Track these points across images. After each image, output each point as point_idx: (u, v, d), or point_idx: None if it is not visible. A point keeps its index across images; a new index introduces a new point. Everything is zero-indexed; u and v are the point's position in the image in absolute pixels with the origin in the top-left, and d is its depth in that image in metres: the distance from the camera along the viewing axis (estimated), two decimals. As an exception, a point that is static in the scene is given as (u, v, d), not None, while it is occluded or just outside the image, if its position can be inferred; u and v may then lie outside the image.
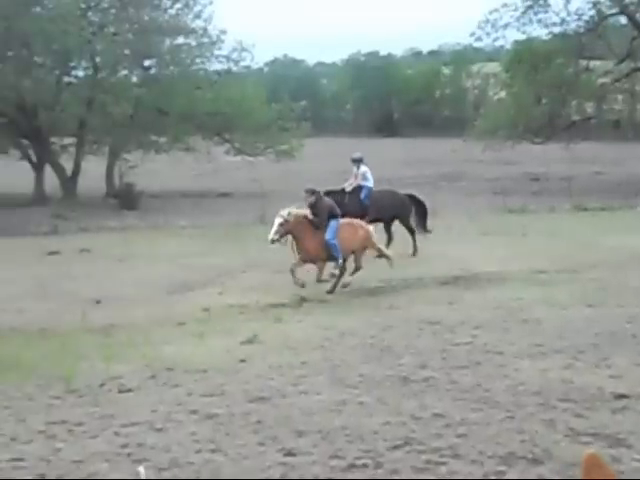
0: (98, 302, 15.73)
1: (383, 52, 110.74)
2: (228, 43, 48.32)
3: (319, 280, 17.13)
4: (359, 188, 21.61)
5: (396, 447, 7.12)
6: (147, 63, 48.32)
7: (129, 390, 8.99)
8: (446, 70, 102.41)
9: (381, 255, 17.78)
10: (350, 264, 16.92)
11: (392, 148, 72.50)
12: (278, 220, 16.38)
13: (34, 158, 45.33)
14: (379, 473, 6.64)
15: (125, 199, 40.03)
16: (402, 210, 22.11)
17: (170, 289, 17.02)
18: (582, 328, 11.81)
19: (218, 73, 49.70)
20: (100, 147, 48.35)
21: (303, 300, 15.17)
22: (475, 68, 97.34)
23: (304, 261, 16.68)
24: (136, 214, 36.02)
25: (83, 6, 43.76)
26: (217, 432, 7.55)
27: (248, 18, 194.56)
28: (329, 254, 16.70)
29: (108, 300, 15.94)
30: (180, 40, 47.99)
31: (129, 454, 7.08)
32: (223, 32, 47.83)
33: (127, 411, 8.21)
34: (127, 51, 45.02)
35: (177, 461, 6.87)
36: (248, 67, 53.01)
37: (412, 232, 21.94)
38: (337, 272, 16.87)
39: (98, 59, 44.49)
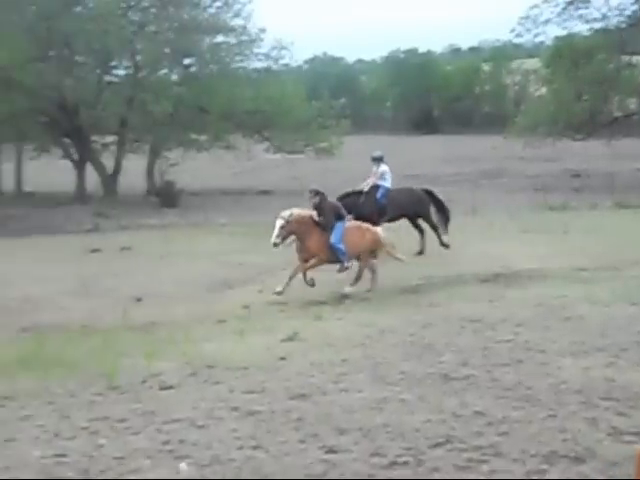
0: (139, 300, 15.84)
1: (422, 49, 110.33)
2: (267, 41, 48.45)
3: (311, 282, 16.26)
4: (375, 188, 21.32)
5: (437, 445, 7.10)
6: (187, 61, 48.54)
7: (170, 387, 9.03)
8: (486, 66, 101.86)
9: (395, 258, 17.24)
10: (364, 273, 16.48)
11: (432, 145, 72.32)
12: (279, 222, 15.83)
13: (76, 156, 45.67)
14: (420, 471, 6.62)
15: (165, 197, 40.25)
16: (420, 207, 21.82)
17: (210, 287, 17.09)
18: (624, 326, 11.70)
19: (258, 71, 49.82)
20: (141, 145, 48.65)
21: (343, 298, 15.16)
22: (515, 64, 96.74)
23: (305, 260, 16.19)
24: (176, 212, 36.21)
25: (123, 5, 44.07)
26: (258, 429, 7.56)
27: (287, 16, 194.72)
28: (330, 257, 16.29)
29: (149, 297, 16.05)
30: (220, 38, 48.13)
31: (171, 451, 7.10)
32: (262, 30, 47.95)
33: (168, 408, 8.25)
34: (167, 50, 45.28)
35: (218, 458, 6.89)
36: (287, 65, 53.10)
37: (435, 228, 21.67)
38: (343, 268, 16.45)
39: (139, 58, 44.78)
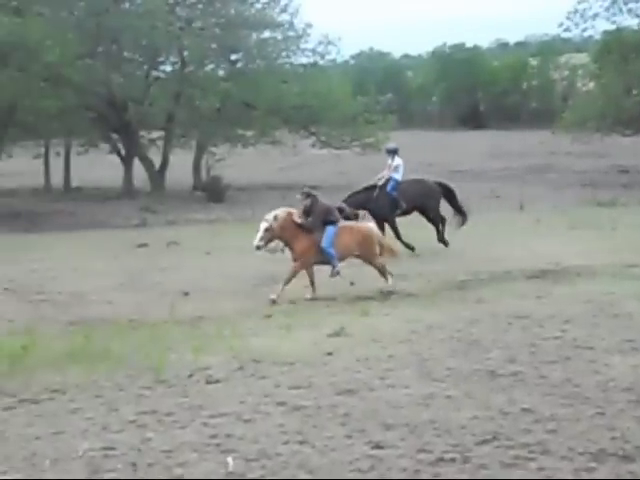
0: (186, 294, 15.91)
1: (469, 44, 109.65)
2: (314, 36, 48.54)
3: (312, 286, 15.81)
4: (388, 181, 21.18)
5: (484, 442, 7.06)
6: (234, 57, 48.71)
7: (217, 381, 9.06)
8: (533, 61, 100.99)
9: (389, 252, 16.66)
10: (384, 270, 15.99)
11: (478, 141, 71.85)
12: (264, 225, 15.47)
13: (123, 152, 46.01)
14: (467, 468, 6.59)
15: (212, 192, 40.43)
16: (428, 199, 21.60)
17: (257, 281, 17.13)
18: (675, 323, 11.58)
19: (304, 66, 49.86)
20: (187, 141, 48.91)
21: (390, 293, 15.14)
22: (563, 59, 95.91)
23: (297, 265, 15.71)
24: (223, 207, 36.38)
25: (171, 1, 44.37)
26: (305, 424, 7.56)
27: (334, 11, 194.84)
28: (318, 259, 15.78)
29: (196, 292, 16.13)
30: (267, 34, 48.27)
31: (217, 444, 7.13)
32: (309, 25, 48.04)
33: (215, 402, 8.28)
34: (214, 45, 45.47)
35: (265, 452, 6.90)
36: (334, 60, 53.05)
37: (442, 222, 21.54)
38: (334, 272, 15.90)
39: (186, 54, 45.01)
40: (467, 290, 15.31)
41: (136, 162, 45.33)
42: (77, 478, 6.54)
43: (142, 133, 47.15)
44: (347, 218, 20.52)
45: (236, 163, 46.36)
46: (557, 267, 17.32)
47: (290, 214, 15.80)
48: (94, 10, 41.04)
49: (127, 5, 44.31)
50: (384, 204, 20.87)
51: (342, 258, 16.02)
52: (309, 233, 15.70)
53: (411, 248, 20.48)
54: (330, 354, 10.14)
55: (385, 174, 21.42)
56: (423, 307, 13.48)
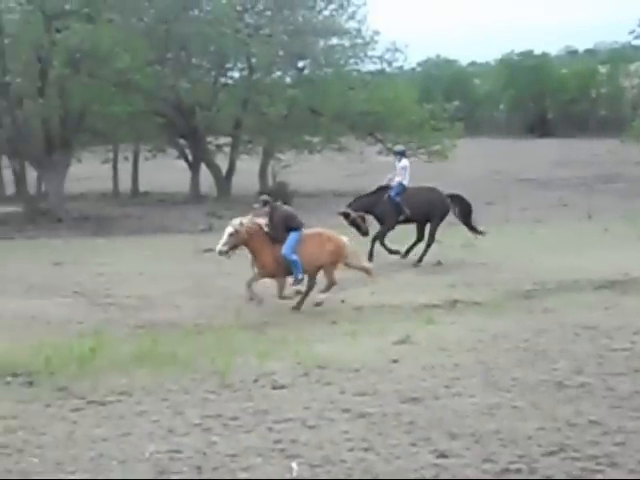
0: (252, 299, 15.96)
1: (537, 51, 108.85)
2: (381, 44, 48.55)
3: (281, 297, 15.62)
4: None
5: (551, 453, 6.98)
6: (301, 64, 48.90)
7: (282, 387, 9.08)
8: (603, 69, 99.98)
9: (359, 269, 16.25)
10: (322, 280, 15.72)
11: (546, 149, 71.29)
12: (228, 230, 15.00)
13: (190, 157, 46.42)
14: (533, 479, 6.52)
15: (278, 198, 40.53)
16: (435, 210, 20.83)
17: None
18: None
19: (371, 73, 49.87)
20: (254, 147, 49.18)
21: (455, 302, 15.05)
22: (633, 67, 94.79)
23: (262, 276, 15.43)
24: (289, 213, 36.37)
25: (239, 8, 44.61)
26: (369, 431, 7.55)
27: (402, 18, 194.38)
28: (283, 270, 15.28)
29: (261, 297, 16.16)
30: (334, 41, 48.39)
31: (282, 450, 7.13)
32: (376, 33, 48.10)
33: (280, 407, 8.29)
34: (282, 52, 45.66)
35: (330, 458, 6.90)
36: (401, 67, 53.04)
37: (430, 240, 20.69)
38: (301, 288, 15.49)
39: (253, 60, 45.27)
40: (534, 299, 15.17)
41: (203, 168, 45.70)
42: (144, 479, 6.59)
43: (209, 139, 47.57)
44: (353, 223, 20.37)
45: (302, 169, 46.50)
46: (626, 277, 17.09)
47: (259, 222, 15.25)
48: (164, 17, 41.50)
49: (196, 12, 44.69)
50: (387, 209, 20.44)
51: (310, 266, 15.40)
52: (275, 243, 15.17)
53: (394, 252, 20.20)
54: (395, 361, 10.10)
55: (394, 177, 20.98)
56: (489, 316, 13.38)
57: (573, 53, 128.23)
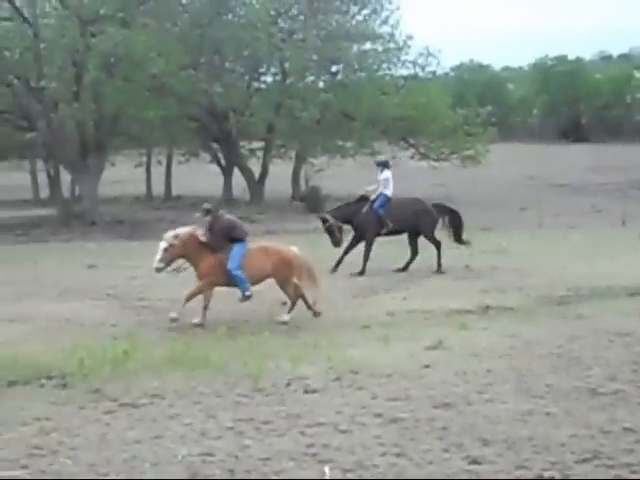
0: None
1: (571, 56, 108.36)
2: (414, 48, 48.50)
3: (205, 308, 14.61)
4: (378, 196, 20.33)
5: (584, 460, 6.94)
6: (334, 69, 48.93)
7: (314, 391, 9.09)
8: (638, 74, 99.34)
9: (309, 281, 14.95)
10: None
11: (580, 154, 70.96)
12: (162, 245, 14.37)
13: (223, 161, 46.57)
14: (567, 486, 6.50)
15: (311, 202, 40.62)
16: (422, 219, 20.41)
17: (355, 292, 17.15)
18: None
19: (404, 78, 49.83)
20: (287, 151, 49.27)
21: (488, 307, 14.99)
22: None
23: (209, 287, 14.54)
24: (322, 217, 36.38)
25: (273, 13, 44.68)
26: (402, 436, 7.54)
27: (435, 23, 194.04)
28: (224, 281, 14.53)
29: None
30: (367, 46, 48.41)
31: (314, 454, 7.14)
32: (410, 37, 48.08)
33: (312, 411, 8.31)
34: (315, 57, 45.69)
35: (362, 463, 6.90)
36: (434, 72, 52.91)
37: (438, 248, 20.26)
38: (243, 298, 14.60)
39: (287, 65, 45.32)
40: (567, 305, 15.07)
41: (236, 172, 45.83)
42: (177, 480, 6.63)
43: (242, 143, 47.71)
44: (329, 230, 20.17)
45: (335, 174, 46.51)
46: (660, 284, 16.94)
47: (194, 232, 14.64)
48: (198, 22, 41.65)
49: (230, 16, 44.82)
50: (368, 220, 20.10)
51: (255, 280, 14.75)
52: (214, 252, 14.49)
53: (361, 272, 19.73)
54: (428, 367, 10.09)
55: (374, 188, 20.63)
56: (522, 322, 13.32)
57: (607, 58, 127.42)
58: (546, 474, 6.66)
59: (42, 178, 57.21)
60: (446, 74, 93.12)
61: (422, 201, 21.41)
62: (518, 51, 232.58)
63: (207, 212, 14.88)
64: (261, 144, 48.16)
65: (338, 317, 14.43)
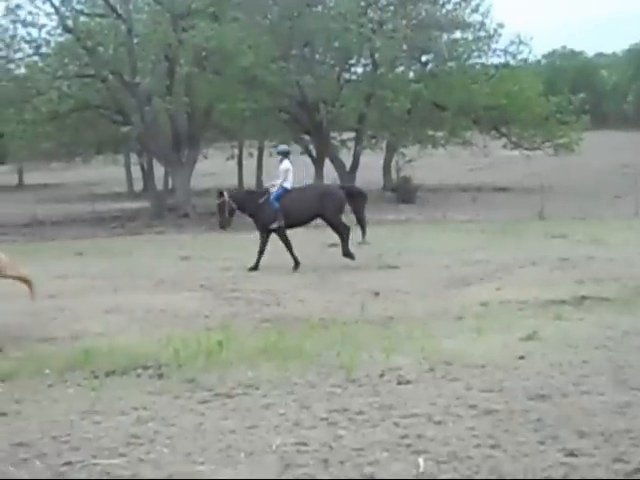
0: (377, 294, 15.98)
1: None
2: (505, 36, 48.09)
3: None
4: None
5: (684, 453, 6.79)
6: (424, 58, 48.72)
7: (408, 382, 9.04)
8: None
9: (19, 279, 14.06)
10: None
11: (676, 142, 69.38)
12: None
13: (314, 152, 46.69)
14: (666, 480, 6.36)
15: (402, 193, 40.59)
16: (325, 204, 19.95)
17: (447, 283, 17.05)
18: None
19: (495, 67, 49.40)
20: (378, 142, 49.22)
21: (584, 298, 14.76)
22: None
23: None
24: (413, 208, 36.40)
25: (363, 4, 44.63)
26: (496, 428, 7.46)
27: (526, 10, 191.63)
28: None
29: (386, 292, 16.17)
30: (457, 34, 48.13)
31: (408, 445, 7.10)
32: (500, 25, 47.66)
33: (406, 402, 8.27)
34: (405, 47, 45.54)
35: (456, 455, 6.84)
36: (525, 60, 52.29)
37: (346, 231, 20.19)
38: None
39: (377, 55, 45.22)
40: (666, 296, 14.76)
41: (327, 163, 45.92)
42: (270, 472, 6.66)
43: (333, 134, 47.75)
44: (220, 207, 19.91)
45: (426, 164, 46.30)
46: None
47: None
48: (288, 14, 41.86)
49: (320, 8, 44.92)
50: (265, 214, 19.81)
51: None
52: None
53: (297, 263, 19.73)
54: (522, 358, 9.97)
55: (277, 180, 20.29)
56: (619, 312, 13.07)
57: None
58: (645, 467, 6.54)
59: (136, 171, 58.14)
60: (538, 62, 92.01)
61: (323, 185, 21.11)
62: (611, 37, 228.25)
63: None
64: (352, 135, 48.17)
65: (431, 308, 14.36)
